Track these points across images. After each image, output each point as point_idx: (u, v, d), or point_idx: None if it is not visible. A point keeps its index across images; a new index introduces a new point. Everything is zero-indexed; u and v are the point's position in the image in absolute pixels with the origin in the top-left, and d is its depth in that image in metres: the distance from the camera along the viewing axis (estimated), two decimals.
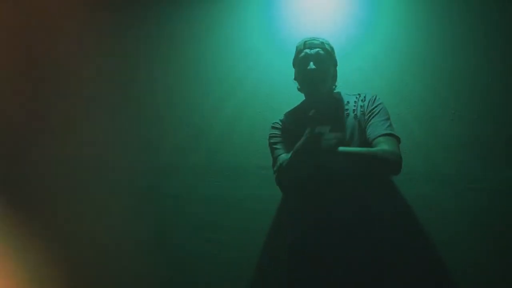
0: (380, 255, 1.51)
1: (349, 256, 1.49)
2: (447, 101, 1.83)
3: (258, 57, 2.03)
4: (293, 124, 1.64)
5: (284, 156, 1.54)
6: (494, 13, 1.83)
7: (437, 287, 1.72)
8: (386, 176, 1.65)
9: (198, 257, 1.94)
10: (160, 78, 2.13)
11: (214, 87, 2.06)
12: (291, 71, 1.71)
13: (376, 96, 1.62)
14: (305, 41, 1.62)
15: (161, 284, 1.96)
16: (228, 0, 2.10)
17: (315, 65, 1.57)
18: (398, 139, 1.50)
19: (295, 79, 1.70)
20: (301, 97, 1.72)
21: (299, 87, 1.69)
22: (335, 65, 1.67)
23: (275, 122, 1.69)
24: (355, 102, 1.63)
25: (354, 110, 1.60)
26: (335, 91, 1.69)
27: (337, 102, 1.65)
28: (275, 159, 1.61)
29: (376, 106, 1.58)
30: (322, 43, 1.61)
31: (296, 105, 1.75)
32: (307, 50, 1.59)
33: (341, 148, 1.41)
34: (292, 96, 1.79)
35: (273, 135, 1.66)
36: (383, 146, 1.46)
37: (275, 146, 1.63)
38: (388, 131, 1.49)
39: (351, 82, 1.90)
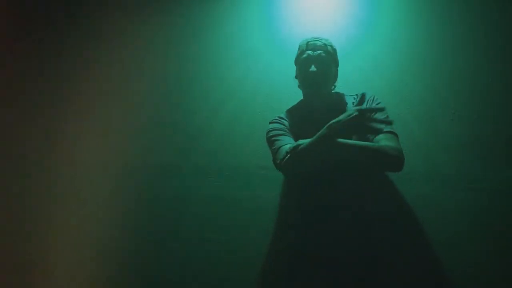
0: (380, 255, 1.51)
1: (348, 256, 1.49)
2: (447, 101, 1.83)
3: (258, 57, 2.03)
4: (292, 122, 1.64)
5: (290, 146, 1.49)
6: (494, 13, 1.83)
7: (437, 287, 1.72)
8: (388, 171, 1.62)
9: (198, 257, 1.94)
10: (160, 78, 2.13)
11: (214, 87, 2.06)
12: (291, 71, 1.71)
13: (374, 96, 1.62)
14: (308, 42, 1.61)
15: (161, 283, 1.96)
16: (228, 0, 2.10)
17: (317, 68, 1.57)
18: (397, 137, 1.51)
19: (296, 77, 1.70)
20: (301, 97, 1.72)
21: (299, 85, 1.69)
22: (337, 65, 1.67)
23: (274, 119, 1.68)
24: (353, 102, 1.63)
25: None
26: (334, 91, 1.68)
27: (338, 102, 1.65)
28: (277, 149, 1.55)
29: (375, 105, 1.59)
30: (325, 44, 1.61)
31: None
32: (309, 52, 1.59)
33: (344, 140, 1.40)
34: (292, 96, 1.79)
35: (273, 129, 1.63)
36: (385, 142, 1.46)
37: (276, 138, 1.59)
38: (388, 129, 1.50)
39: (351, 82, 1.90)
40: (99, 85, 2.19)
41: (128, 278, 2.00)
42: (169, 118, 2.08)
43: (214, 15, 2.10)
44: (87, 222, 2.08)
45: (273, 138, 1.61)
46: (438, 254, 1.73)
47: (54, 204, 2.12)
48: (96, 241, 2.05)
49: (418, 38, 1.89)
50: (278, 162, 1.52)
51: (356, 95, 1.66)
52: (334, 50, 1.65)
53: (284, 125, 1.64)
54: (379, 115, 1.54)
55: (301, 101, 1.73)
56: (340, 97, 1.68)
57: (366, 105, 1.59)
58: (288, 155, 1.46)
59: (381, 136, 1.48)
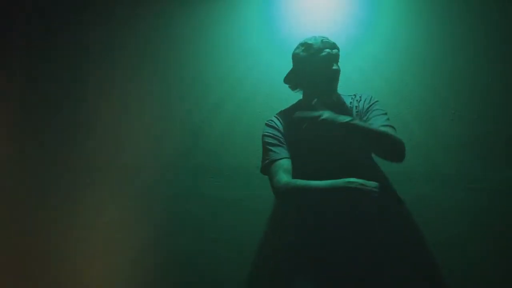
0: (380, 255, 1.51)
1: (348, 256, 1.49)
2: (447, 101, 1.83)
3: (258, 57, 2.02)
4: (289, 124, 1.62)
5: (283, 163, 1.51)
6: (494, 13, 1.83)
7: (436, 287, 1.72)
8: (391, 158, 1.54)
9: (198, 257, 1.94)
10: (160, 78, 2.13)
11: (214, 87, 2.06)
12: None
13: (371, 96, 1.63)
14: (322, 40, 1.58)
15: (161, 283, 1.96)
16: (228, 0, 2.10)
17: (337, 66, 1.57)
18: (396, 130, 1.53)
19: (296, 77, 1.65)
20: (300, 97, 1.72)
21: (293, 86, 1.67)
22: None
23: (271, 120, 1.66)
24: (350, 103, 1.63)
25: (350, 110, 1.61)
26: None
27: (339, 102, 1.64)
28: (270, 162, 1.55)
29: (372, 104, 1.60)
30: (334, 43, 1.61)
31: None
32: (328, 50, 1.56)
33: (354, 122, 1.41)
34: (292, 96, 1.78)
35: (267, 135, 1.62)
36: (388, 129, 1.48)
37: (269, 147, 1.58)
38: (387, 123, 1.51)
39: (351, 82, 1.90)
40: (100, 86, 2.19)
41: (127, 277, 2.00)
42: (169, 118, 2.08)
43: (214, 15, 2.10)
44: (86, 221, 2.08)
45: (266, 146, 1.60)
46: (438, 254, 1.73)
47: (54, 203, 2.13)
48: (95, 240, 2.05)
49: (418, 38, 1.89)
50: (272, 185, 1.51)
51: (354, 95, 1.66)
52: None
53: (278, 129, 1.62)
54: (375, 113, 1.55)
55: (300, 101, 1.70)
56: (338, 97, 1.66)
57: (364, 103, 1.60)
58: (284, 191, 1.45)
59: (381, 128, 1.49)
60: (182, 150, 2.04)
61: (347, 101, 1.64)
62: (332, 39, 1.68)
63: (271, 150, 1.57)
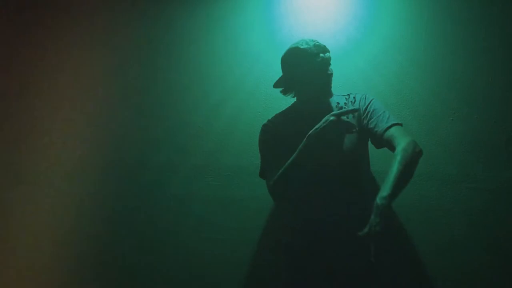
0: (379, 255, 1.51)
1: (347, 256, 1.49)
2: (447, 101, 1.83)
3: (258, 57, 2.02)
4: (285, 127, 1.61)
5: (274, 168, 1.50)
6: (494, 13, 1.83)
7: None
8: None
9: (198, 256, 1.94)
10: (160, 78, 2.13)
11: (214, 87, 2.06)
12: None
13: (365, 95, 1.60)
14: (315, 44, 1.55)
15: (161, 282, 1.96)
16: (228, 0, 2.10)
17: (330, 70, 1.55)
18: (402, 125, 1.51)
19: (290, 83, 1.62)
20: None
21: (286, 91, 1.64)
22: None
23: (265, 125, 1.65)
24: (345, 103, 1.60)
25: None
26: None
27: (329, 103, 1.62)
28: (263, 169, 1.59)
29: (368, 104, 1.56)
30: (325, 46, 1.58)
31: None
32: (322, 55, 1.54)
33: (393, 189, 1.34)
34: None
35: (263, 140, 1.63)
36: (398, 141, 1.43)
37: (263, 153, 1.60)
38: (391, 122, 1.49)
39: (351, 82, 1.90)
40: (100, 85, 2.19)
41: (127, 277, 2.00)
42: (169, 118, 2.08)
43: (214, 15, 2.10)
44: (86, 221, 2.08)
45: (261, 152, 1.62)
46: (438, 254, 1.73)
47: (54, 203, 2.13)
48: (95, 239, 2.06)
49: (418, 38, 1.89)
50: (268, 189, 1.53)
51: (348, 94, 1.63)
52: None
53: (272, 134, 1.61)
54: (376, 113, 1.52)
55: (294, 103, 1.68)
56: (331, 98, 1.64)
57: (359, 105, 1.57)
58: (272, 185, 1.47)
59: (392, 131, 1.46)
60: (182, 150, 2.04)
61: (341, 101, 1.61)
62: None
63: (264, 156, 1.58)
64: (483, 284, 1.71)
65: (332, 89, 1.69)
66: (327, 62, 1.54)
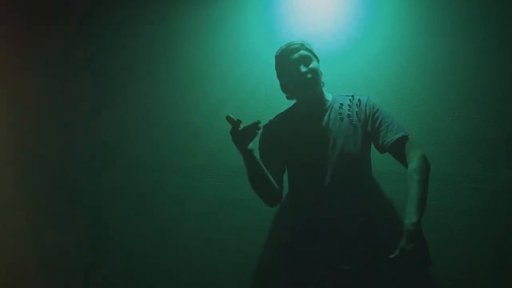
0: (379, 254, 1.51)
1: (347, 255, 1.49)
2: (447, 101, 1.83)
3: (258, 57, 2.02)
4: (285, 127, 1.63)
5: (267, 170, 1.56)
6: (494, 13, 1.83)
7: (436, 287, 1.72)
8: None
9: (198, 256, 1.94)
10: (161, 78, 2.13)
11: (214, 87, 2.06)
12: None
13: (372, 101, 1.59)
14: (282, 49, 1.58)
15: (161, 282, 1.96)
16: (228, 0, 2.10)
17: (306, 67, 1.54)
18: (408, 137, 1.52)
19: (284, 89, 1.66)
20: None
21: (288, 95, 1.66)
22: (318, 61, 1.62)
23: (267, 125, 1.67)
24: (349, 106, 1.59)
25: (349, 115, 1.57)
26: (328, 92, 1.67)
27: (330, 103, 1.62)
28: None
29: (375, 112, 1.56)
30: (302, 44, 1.57)
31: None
32: (290, 57, 1.55)
33: (411, 210, 1.37)
34: None
35: (264, 139, 1.65)
36: (409, 156, 1.47)
37: (261, 155, 1.61)
38: (400, 134, 1.50)
39: (351, 82, 1.90)
40: (101, 85, 2.19)
41: (127, 276, 2.00)
42: (169, 118, 2.08)
43: (214, 15, 2.10)
44: (86, 220, 2.08)
45: (260, 153, 1.63)
46: (438, 254, 1.72)
47: (54, 202, 2.13)
48: (95, 239, 2.06)
49: (418, 38, 1.89)
50: None
51: (352, 96, 1.62)
52: (311, 46, 1.61)
53: (272, 134, 1.63)
54: (384, 124, 1.53)
55: (295, 104, 1.70)
56: (334, 98, 1.65)
57: (365, 109, 1.57)
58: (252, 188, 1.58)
59: (401, 143, 1.49)
60: (182, 150, 2.04)
61: (345, 102, 1.61)
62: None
63: (261, 158, 1.58)
64: (483, 284, 1.71)
65: (332, 89, 1.69)
66: (298, 62, 1.54)
